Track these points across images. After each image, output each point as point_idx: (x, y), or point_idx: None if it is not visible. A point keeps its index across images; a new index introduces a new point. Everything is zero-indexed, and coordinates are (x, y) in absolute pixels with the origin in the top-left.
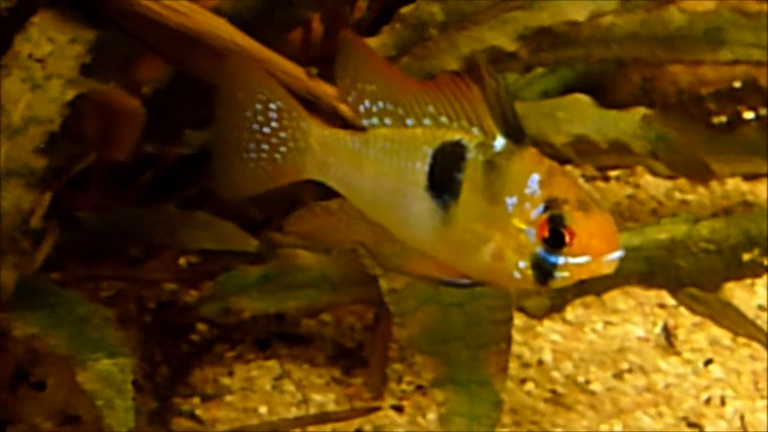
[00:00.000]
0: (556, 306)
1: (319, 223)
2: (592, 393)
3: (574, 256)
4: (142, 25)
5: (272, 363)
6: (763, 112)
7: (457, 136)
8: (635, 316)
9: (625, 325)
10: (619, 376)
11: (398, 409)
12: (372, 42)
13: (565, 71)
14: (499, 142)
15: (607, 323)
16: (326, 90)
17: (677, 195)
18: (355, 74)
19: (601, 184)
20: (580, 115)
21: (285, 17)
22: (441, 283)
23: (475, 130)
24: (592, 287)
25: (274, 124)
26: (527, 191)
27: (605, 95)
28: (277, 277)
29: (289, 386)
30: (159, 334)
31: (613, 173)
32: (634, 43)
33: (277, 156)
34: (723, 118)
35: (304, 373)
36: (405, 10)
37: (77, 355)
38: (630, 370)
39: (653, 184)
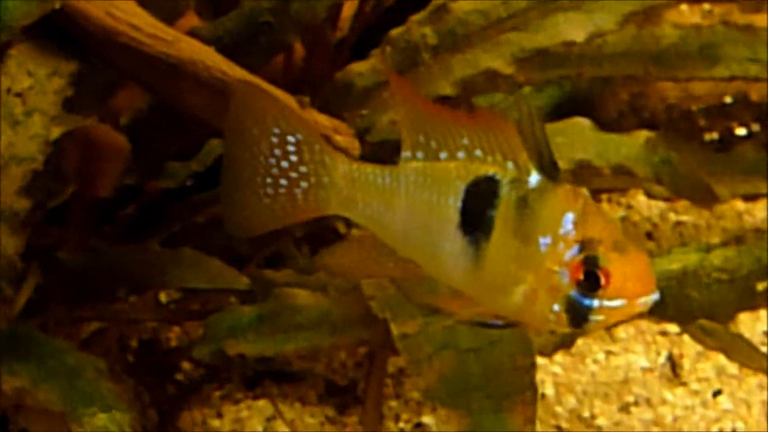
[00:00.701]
0: (565, 342)
1: (350, 258)
2: (598, 428)
3: (610, 299)
4: (123, 55)
5: (262, 402)
6: (755, 128)
7: (491, 170)
8: (637, 345)
9: (628, 354)
10: (624, 409)
11: None
12: (361, 66)
13: (552, 90)
14: (534, 178)
15: (609, 353)
16: (320, 120)
17: (672, 216)
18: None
19: None
20: (581, 140)
21: (268, 42)
22: (473, 324)
23: (510, 165)
24: None
25: (293, 158)
26: (561, 231)
27: (593, 113)
28: (273, 318)
29: (282, 427)
30: (143, 375)
31: (605, 194)
32: (626, 61)
33: (297, 191)
34: (715, 135)
35: (297, 413)
36: (395, 32)
37: (71, 410)
38: (636, 403)
39: (646, 205)
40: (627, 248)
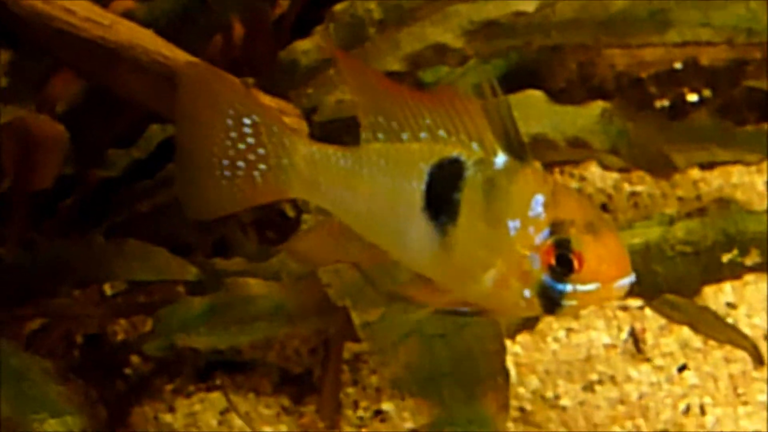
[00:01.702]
0: (528, 324)
1: (316, 243)
2: (563, 409)
3: (583, 283)
4: (58, 41)
5: (215, 395)
6: (706, 93)
7: (455, 151)
8: (597, 321)
9: (589, 331)
10: (589, 388)
11: None
12: (305, 44)
13: (498, 61)
14: (500, 158)
15: (570, 331)
16: (265, 101)
17: (626, 187)
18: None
19: None
20: (536, 113)
21: (206, 22)
22: (441, 312)
23: (475, 146)
24: None
25: (250, 140)
26: (531, 214)
27: (541, 83)
28: (225, 309)
29: (237, 420)
30: (91, 371)
31: (557, 167)
32: (575, 29)
33: (256, 174)
34: (666, 102)
35: (251, 405)
36: (339, 7)
37: (19, 416)
38: (600, 382)
39: (600, 176)
40: (600, 229)
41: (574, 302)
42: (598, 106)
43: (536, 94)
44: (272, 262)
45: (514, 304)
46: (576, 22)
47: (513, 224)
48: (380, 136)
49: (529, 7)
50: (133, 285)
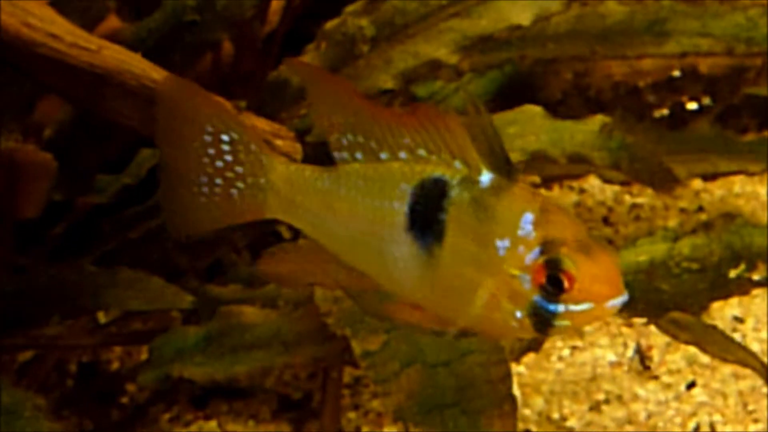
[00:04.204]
0: (532, 346)
1: (292, 266)
2: (570, 430)
3: (576, 303)
4: (44, 67)
5: (213, 423)
6: (706, 101)
7: (438, 171)
8: (602, 339)
9: (594, 349)
10: (595, 408)
11: None
12: None
13: (493, 74)
14: (486, 176)
15: (574, 349)
16: (258, 124)
17: (627, 199)
18: (319, 105)
19: (543, 191)
20: (533, 129)
21: (194, 41)
22: (431, 334)
23: (458, 164)
24: None
25: (228, 157)
26: (520, 233)
27: (537, 95)
28: (220, 337)
29: None
30: (85, 400)
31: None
32: (571, 41)
33: (233, 192)
34: (665, 111)
35: None
36: (330, 25)
37: None
38: (607, 401)
39: (600, 189)
40: (592, 248)
41: (566, 322)
42: (597, 120)
43: (534, 109)
44: (268, 289)
45: (505, 326)
46: (572, 34)
47: (502, 244)
48: (358, 156)
49: (524, 21)
50: (126, 313)
